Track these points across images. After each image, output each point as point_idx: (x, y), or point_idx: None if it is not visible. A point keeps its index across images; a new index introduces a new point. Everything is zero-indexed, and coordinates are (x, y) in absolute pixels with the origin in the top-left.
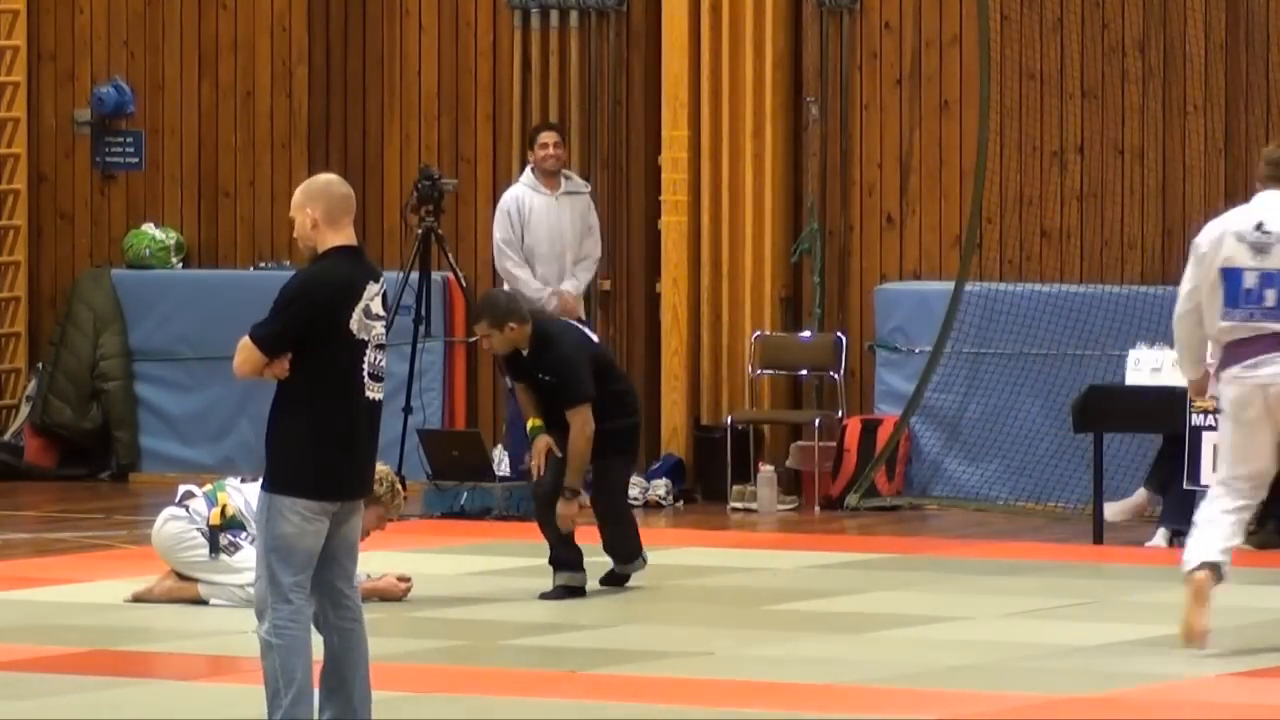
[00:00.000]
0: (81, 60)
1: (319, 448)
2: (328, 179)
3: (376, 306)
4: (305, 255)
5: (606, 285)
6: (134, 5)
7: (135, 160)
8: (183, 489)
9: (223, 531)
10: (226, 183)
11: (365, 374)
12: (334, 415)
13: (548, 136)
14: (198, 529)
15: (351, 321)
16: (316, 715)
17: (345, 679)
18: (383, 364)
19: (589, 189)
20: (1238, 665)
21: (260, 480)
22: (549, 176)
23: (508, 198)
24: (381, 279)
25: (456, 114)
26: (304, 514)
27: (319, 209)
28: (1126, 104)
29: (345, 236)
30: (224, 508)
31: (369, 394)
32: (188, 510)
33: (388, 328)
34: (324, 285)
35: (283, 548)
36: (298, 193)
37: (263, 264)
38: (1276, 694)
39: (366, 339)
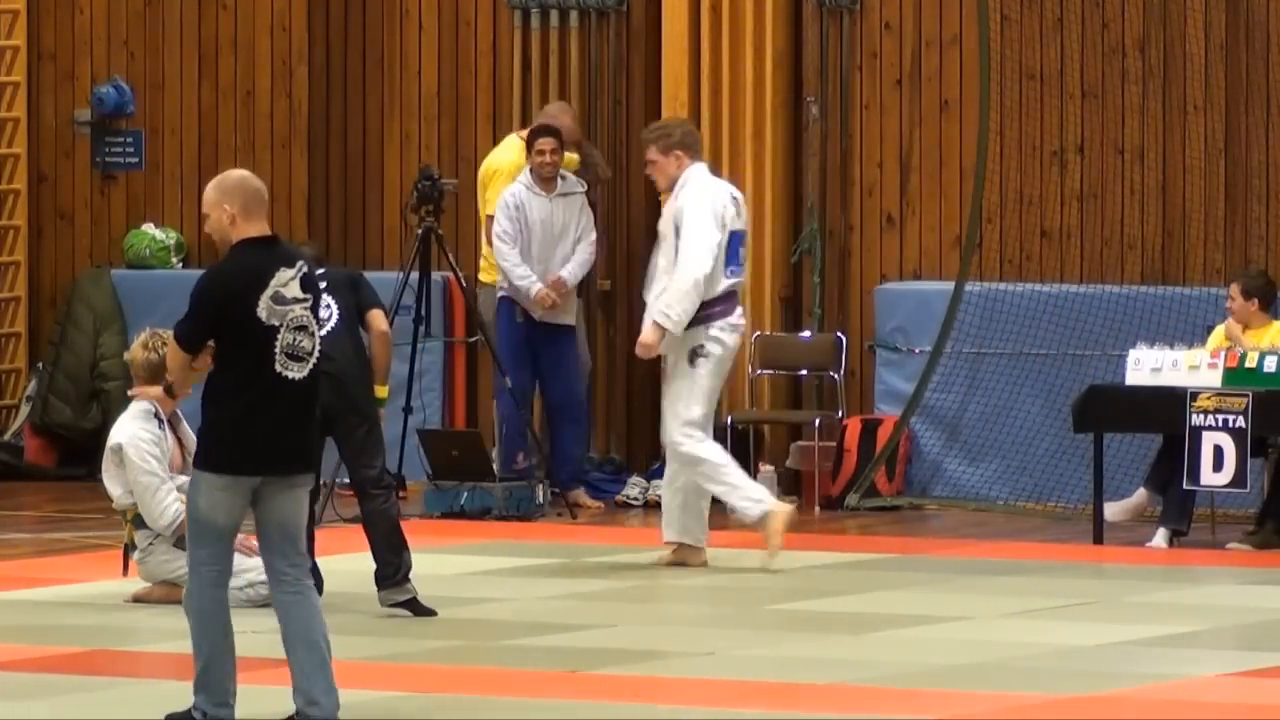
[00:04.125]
0: (81, 60)
1: (233, 427)
2: (241, 175)
3: (291, 291)
4: (223, 250)
5: (606, 285)
6: (134, 5)
7: (135, 160)
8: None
9: (140, 528)
10: None
11: (279, 354)
12: (251, 400)
13: (545, 143)
14: (175, 547)
15: (259, 309)
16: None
17: (292, 646)
18: (303, 344)
19: (584, 188)
20: (1238, 665)
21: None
22: (545, 180)
23: (507, 195)
24: (298, 264)
25: (456, 114)
26: (218, 489)
27: (236, 204)
28: (1126, 104)
29: (259, 228)
30: (131, 519)
31: (287, 373)
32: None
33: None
34: (228, 278)
35: (196, 520)
36: (210, 190)
37: None
38: (1276, 694)
39: (278, 324)
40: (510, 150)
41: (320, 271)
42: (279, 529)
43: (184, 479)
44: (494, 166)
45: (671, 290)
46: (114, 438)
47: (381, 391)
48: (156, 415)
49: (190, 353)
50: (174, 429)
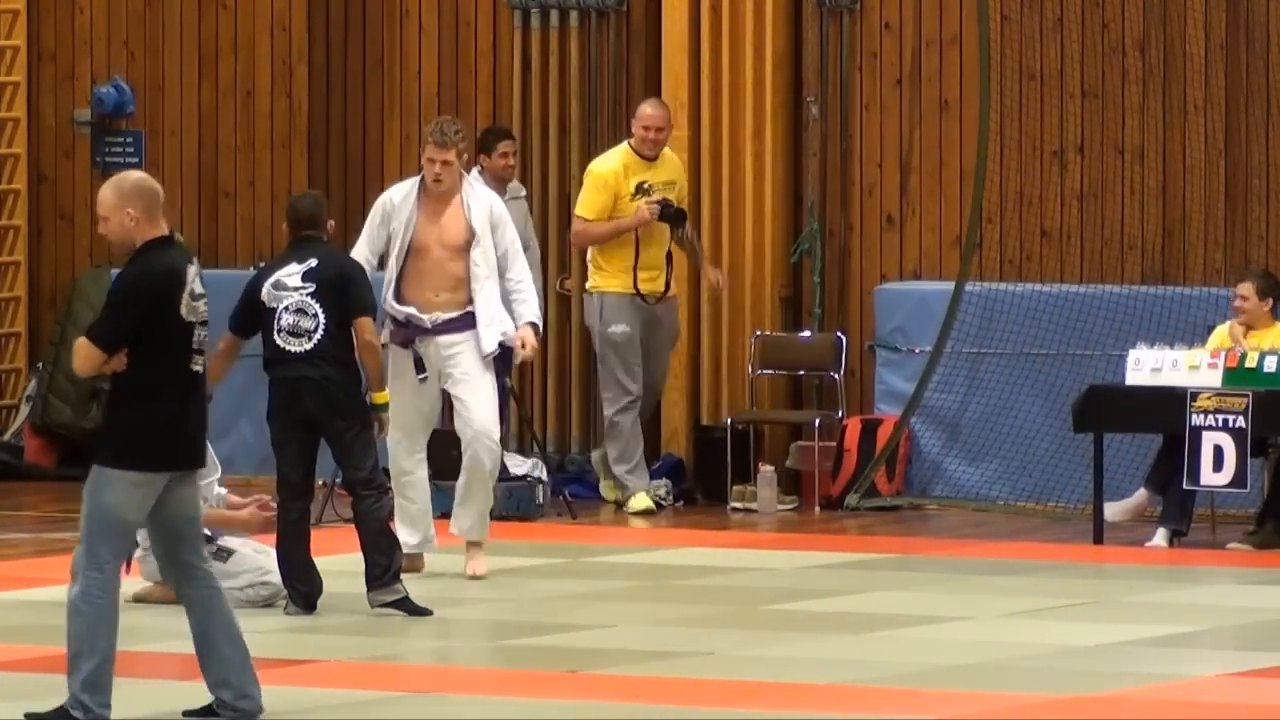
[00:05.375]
0: (81, 60)
1: (155, 426)
2: (137, 176)
3: (198, 287)
4: (122, 252)
5: None
6: (134, 5)
7: (135, 160)
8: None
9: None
10: (226, 183)
11: (193, 351)
12: (169, 396)
13: (509, 145)
14: None
15: (181, 307)
16: (204, 679)
17: (215, 643)
18: (205, 338)
19: (524, 193)
20: (1238, 665)
21: None
22: (499, 183)
23: None
24: (195, 260)
25: (456, 114)
26: (131, 487)
27: (139, 206)
28: (1126, 104)
29: (161, 229)
30: None
31: (196, 367)
32: None
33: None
34: (155, 278)
35: (105, 518)
36: (108, 194)
37: (263, 264)
38: (1276, 694)
39: (194, 320)
40: (613, 156)
41: (313, 265)
42: (189, 523)
43: None
44: (590, 169)
45: (529, 291)
46: None
47: (381, 397)
48: None
49: (110, 353)
50: None
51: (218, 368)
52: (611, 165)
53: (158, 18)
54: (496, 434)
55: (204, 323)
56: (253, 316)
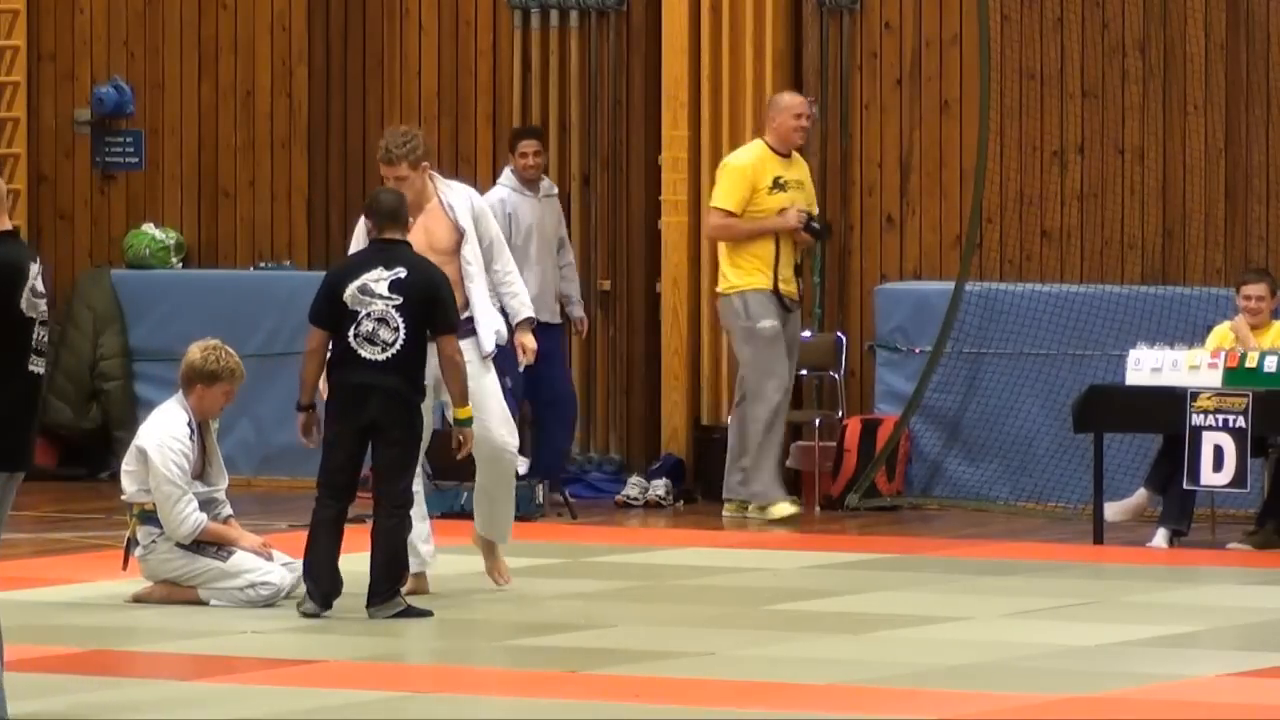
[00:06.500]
0: (81, 60)
1: (2, 426)
2: None
3: (40, 285)
4: None
5: (606, 285)
6: (134, 5)
7: (135, 160)
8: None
9: (145, 524)
10: (226, 183)
11: (33, 350)
12: (10, 394)
13: (528, 145)
14: (178, 546)
15: (22, 301)
16: None
17: None
18: (44, 338)
19: (556, 191)
20: (1238, 665)
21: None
22: (529, 183)
23: (492, 200)
24: (38, 259)
25: (456, 114)
26: None
27: None
28: (1126, 104)
29: (4, 224)
30: (137, 513)
31: (33, 368)
32: (154, 528)
33: None
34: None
35: None
36: None
37: (263, 264)
38: (1276, 694)
39: (35, 317)
40: (748, 151)
41: (401, 275)
42: None
43: (203, 487)
44: (725, 163)
45: (519, 283)
46: (143, 439)
47: (464, 412)
48: (189, 423)
49: None
50: (202, 436)
51: (313, 370)
52: (747, 158)
53: (158, 18)
54: (514, 444)
55: (44, 323)
56: (336, 314)
